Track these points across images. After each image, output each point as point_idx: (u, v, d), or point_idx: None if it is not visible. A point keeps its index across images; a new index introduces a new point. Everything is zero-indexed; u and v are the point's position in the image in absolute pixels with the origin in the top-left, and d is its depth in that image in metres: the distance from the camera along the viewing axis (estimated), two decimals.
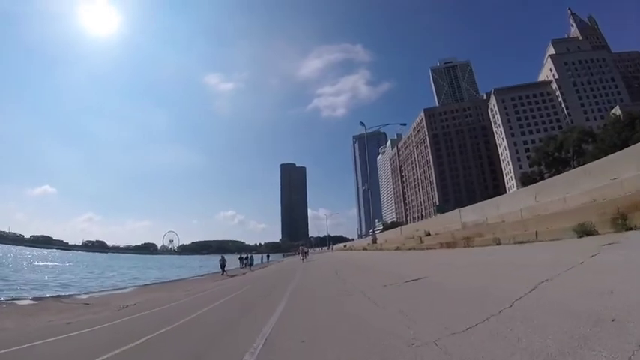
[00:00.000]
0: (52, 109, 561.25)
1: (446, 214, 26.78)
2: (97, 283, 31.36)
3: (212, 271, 42.35)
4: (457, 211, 21.64)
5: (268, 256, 67.79)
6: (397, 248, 23.21)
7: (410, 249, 20.41)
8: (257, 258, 61.33)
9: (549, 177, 69.63)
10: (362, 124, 40.25)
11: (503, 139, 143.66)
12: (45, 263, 62.59)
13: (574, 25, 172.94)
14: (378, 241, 41.71)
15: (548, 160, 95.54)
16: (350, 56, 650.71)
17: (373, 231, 44.93)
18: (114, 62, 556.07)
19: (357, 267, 17.37)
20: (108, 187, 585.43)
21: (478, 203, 23.70)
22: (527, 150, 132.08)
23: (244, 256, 52.81)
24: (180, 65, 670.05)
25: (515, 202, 15.15)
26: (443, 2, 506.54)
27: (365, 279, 10.56)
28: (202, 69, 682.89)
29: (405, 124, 44.59)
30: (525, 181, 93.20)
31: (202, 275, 39.49)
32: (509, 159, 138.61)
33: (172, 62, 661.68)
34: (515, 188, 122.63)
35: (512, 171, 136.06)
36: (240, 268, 47.56)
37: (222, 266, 35.50)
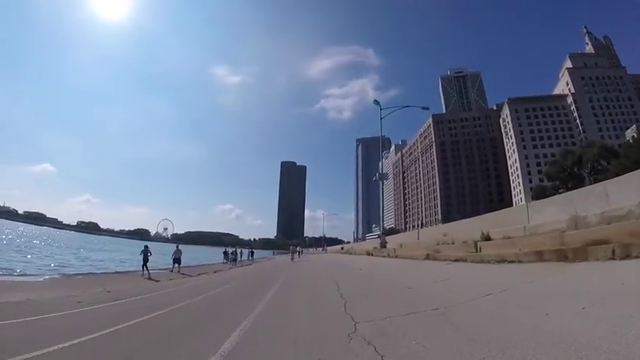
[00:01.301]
0: (58, 91, 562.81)
1: (499, 211, 20.55)
2: (22, 265, 26.05)
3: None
4: (522, 206, 15.82)
5: (252, 253, 57.27)
6: (428, 257, 17.18)
7: (456, 260, 13.44)
8: (245, 253, 56.23)
9: (564, 192, 64.55)
10: (376, 102, 34.08)
11: (514, 150, 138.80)
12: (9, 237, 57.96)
13: (589, 43, 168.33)
14: (388, 245, 33.64)
15: (564, 175, 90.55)
16: (360, 59, 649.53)
17: (382, 232, 37.26)
18: (121, 48, 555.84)
19: (391, 295, 8.50)
20: (108, 171, 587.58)
21: (560, 195, 18.05)
22: (538, 164, 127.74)
23: (230, 250, 47.61)
24: (189, 54, 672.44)
25: None
26: (456, 13, 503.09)
27: None
28: (211, 60, 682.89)
29: (427, 109, 37.21)
30: (539, 194, 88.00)
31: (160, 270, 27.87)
32: (519, 172, 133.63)
33: (181, 50, 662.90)
34: (523, 202, 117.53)
35: (521, 184, 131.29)
36: (223, 263, 42.95)
37: (146, 261, 23.27)
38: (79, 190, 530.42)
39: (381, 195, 36.55)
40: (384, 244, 33.86)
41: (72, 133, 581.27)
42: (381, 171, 34.18)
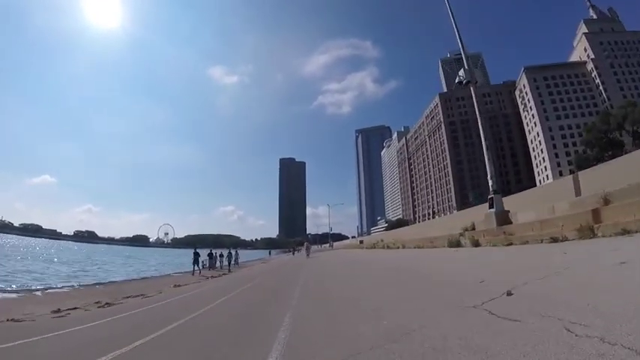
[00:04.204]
0: (54, 101, 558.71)
1: None
2: None
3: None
4: None
5: (230, 255, 37.53)
6: None
7: None
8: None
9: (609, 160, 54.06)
10: None
11: (535, 123, 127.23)
12: None
13: (594, 16, 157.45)
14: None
15: (602, 142, 79.79)
16: (358, 52, 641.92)
17: (495, 190, 16.40)
18: (116, 55, 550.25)
19: None
20: (109, 179, 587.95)
21: None
22: (563, 136, 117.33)
23: (214, 252, 35.59)
24: (184, 58, 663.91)
25: None
26: None
27: None
28: (207, 61, 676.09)
29: None
30: (582, 165, 77.05)
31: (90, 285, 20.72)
32: (542, 146, 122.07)
33: (176, 55, 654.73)
34: (550, 179, 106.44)
35: (546, 159, 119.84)
36: (203, 269, 31.47)
37: None
38: (80, 199, 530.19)
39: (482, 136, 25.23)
40: (504, 216, 16.56)
41: (71, 143, 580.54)
42: (466, 66, 21.45)
